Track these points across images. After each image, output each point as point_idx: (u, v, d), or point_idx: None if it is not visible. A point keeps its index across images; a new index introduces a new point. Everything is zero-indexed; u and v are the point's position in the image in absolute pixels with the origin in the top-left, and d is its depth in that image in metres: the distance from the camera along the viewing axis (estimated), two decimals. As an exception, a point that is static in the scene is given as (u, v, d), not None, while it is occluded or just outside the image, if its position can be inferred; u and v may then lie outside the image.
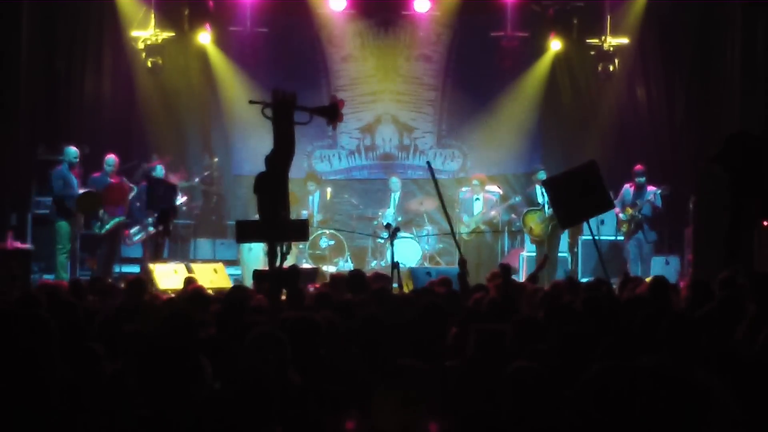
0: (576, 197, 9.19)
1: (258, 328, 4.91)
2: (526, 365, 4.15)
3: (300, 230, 9.30)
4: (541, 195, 13.71)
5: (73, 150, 13.16)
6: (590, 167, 9.38)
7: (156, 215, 12.22)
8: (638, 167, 14.15)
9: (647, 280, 8.73)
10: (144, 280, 9.03)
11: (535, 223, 13.74)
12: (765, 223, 11.24)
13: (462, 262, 8.88)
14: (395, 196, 15.39)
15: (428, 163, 11.03)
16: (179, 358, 4.13)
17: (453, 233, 10.66)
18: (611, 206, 10.67)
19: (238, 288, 8.29)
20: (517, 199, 14.88)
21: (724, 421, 3.70)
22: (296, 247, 13.93)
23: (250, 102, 9.24)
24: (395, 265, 9.60)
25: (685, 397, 3.49)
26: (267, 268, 8.59)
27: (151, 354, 4.19)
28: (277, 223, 8.24)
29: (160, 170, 13.88)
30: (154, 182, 12.83)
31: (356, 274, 8.81)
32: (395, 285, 9.40)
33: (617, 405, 3.56)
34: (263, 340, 4.63)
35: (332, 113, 8.81)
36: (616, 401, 3.57)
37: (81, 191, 13.06)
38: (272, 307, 6.80)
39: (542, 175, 13.71)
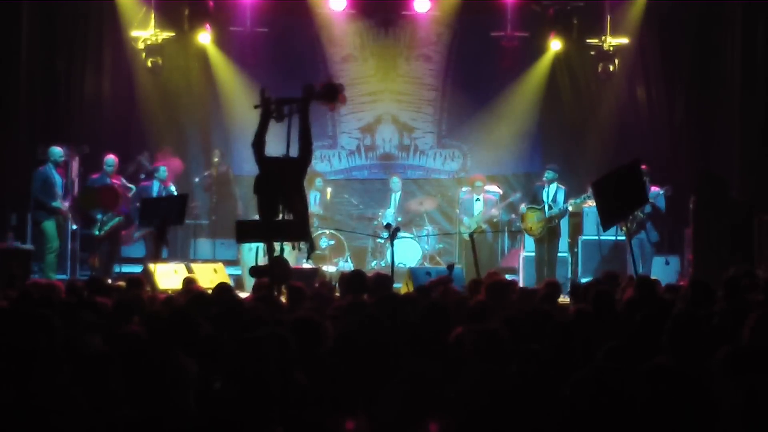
0: (615, 197, 9.22)
1: (262, 328, 4.89)
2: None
3: (300, 230, 9.32)
4: (545, 194, 13.70)
5: (57, 150, 13.03)
6: (631, 165, 9.46)
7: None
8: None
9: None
10: (141, 280, 8.99)
11: (533, 221, 13.73)
12: None
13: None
14: (396, 197, 15.37)
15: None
16: (160, 361, 4.02)
17: (473, 240, 10.78)
18: (645, 201, 10.68)
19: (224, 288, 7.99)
20: (517, 195, 14.89)
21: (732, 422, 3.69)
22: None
23: (256, 107, 9.33)
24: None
25: (697, 398, 3.46)
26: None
27: (133, 356, 4.12)
28: (277, 223, 8.28)
29: (164, 172, 13.84)
30: (149, 202, 12.33)
31: (356, 275, 8.79)
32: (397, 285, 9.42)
33: (617, 406, 3.54)
34: (267, 340, 4.61)
35: (331, 95, 8.61)
36: (616, 402, 3.56)
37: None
38: (271, 306, 6.78)
39: (550, 174, 13.69)
